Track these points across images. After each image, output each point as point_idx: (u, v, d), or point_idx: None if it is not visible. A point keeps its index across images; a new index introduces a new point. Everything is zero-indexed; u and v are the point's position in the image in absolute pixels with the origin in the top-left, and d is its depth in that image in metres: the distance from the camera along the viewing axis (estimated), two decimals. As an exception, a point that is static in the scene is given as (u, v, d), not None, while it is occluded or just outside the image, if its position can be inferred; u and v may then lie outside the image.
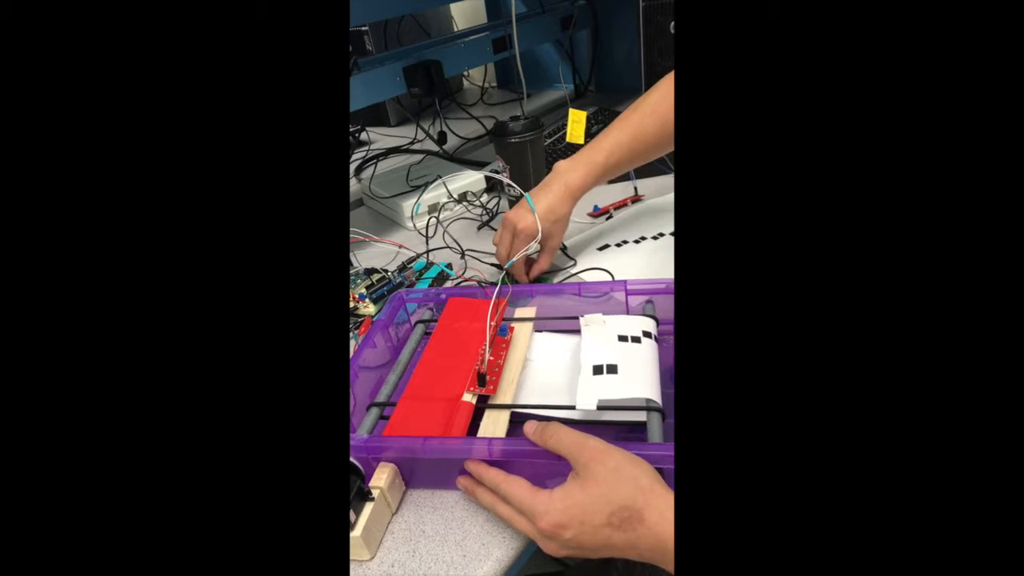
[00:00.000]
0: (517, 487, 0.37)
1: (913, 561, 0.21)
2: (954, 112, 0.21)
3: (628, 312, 0.54)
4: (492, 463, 0.40)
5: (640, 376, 0.44)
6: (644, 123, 0.62)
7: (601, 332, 0.49)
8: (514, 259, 0.61)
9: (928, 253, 0.21)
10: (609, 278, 0.64)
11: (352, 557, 0.39)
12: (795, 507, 0.22)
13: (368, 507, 0.39)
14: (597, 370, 0.45)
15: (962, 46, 0.21)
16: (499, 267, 0.70)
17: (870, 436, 0.21)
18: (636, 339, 0.48)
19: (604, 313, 0.51)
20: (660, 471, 0.36)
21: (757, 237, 0.23)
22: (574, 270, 0.68)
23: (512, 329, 0.52)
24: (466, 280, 0.70)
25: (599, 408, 0.42)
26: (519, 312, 0.55)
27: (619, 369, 0.45)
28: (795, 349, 0.22)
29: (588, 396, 0.43)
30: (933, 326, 0.21)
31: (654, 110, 0.62)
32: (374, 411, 0.46)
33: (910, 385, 0.21)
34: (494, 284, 0.57)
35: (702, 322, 0.23)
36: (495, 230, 0.81)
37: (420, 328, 0.56)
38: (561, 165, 0.64)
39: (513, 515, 0.37)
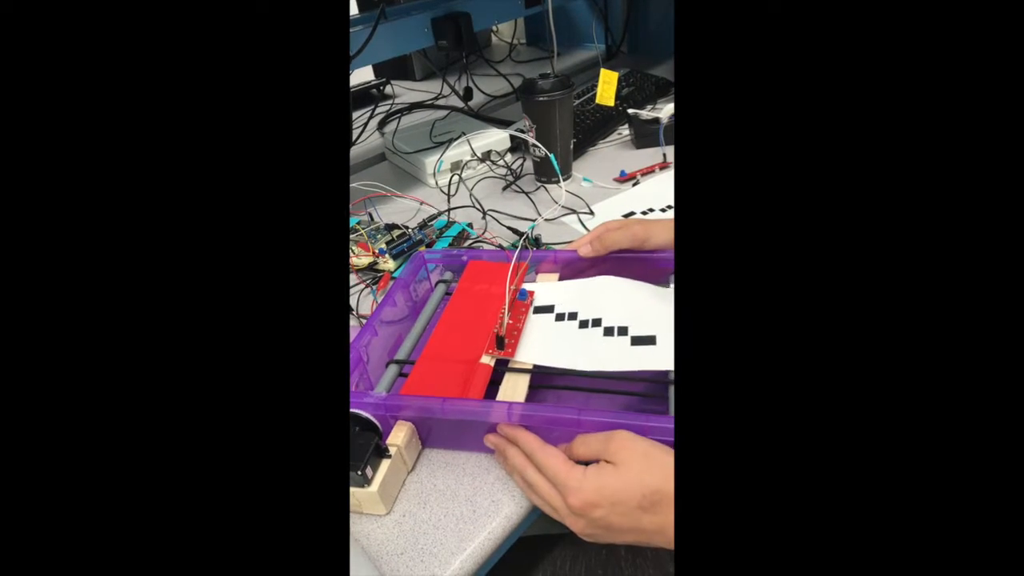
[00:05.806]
0: (553, 458, 0.36)
1: (911, 548, 0.20)
2: (952, 106, 0.21)
3: (671, 284, 0.52)
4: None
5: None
6: None
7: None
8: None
9: (920, 222, 0.21)
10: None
11: (368, 511, 0.40)
12: (797, 495, 0.21)
13: (385, 464, 0.40)
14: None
15: (962, 42, 0.20)
16: (518, 232, 0.69)
17: (873, 419, 0.21)
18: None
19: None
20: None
21: (757, 215, 0.22)
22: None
23: (532, 294, 0.51)
24: (486, 240, 0.69)
25: (612, 375, 0.43)
26: (541, 278, 0.55)
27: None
28: (797, 335, 0.22)
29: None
30: (928, 289, 0.21)
31: None
32: (393, 368, 0.46)
33: (912, 358, 0.21)
34: (515, 247, 0.56)
35: (703, 296, 0.23)
36: (520, 191, 0.80)
37: (441, 288, 0.55)
38: None
39: (542, 484, 0.37)
